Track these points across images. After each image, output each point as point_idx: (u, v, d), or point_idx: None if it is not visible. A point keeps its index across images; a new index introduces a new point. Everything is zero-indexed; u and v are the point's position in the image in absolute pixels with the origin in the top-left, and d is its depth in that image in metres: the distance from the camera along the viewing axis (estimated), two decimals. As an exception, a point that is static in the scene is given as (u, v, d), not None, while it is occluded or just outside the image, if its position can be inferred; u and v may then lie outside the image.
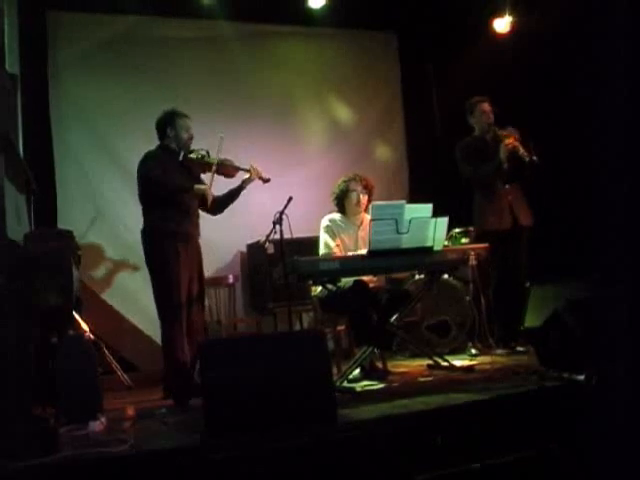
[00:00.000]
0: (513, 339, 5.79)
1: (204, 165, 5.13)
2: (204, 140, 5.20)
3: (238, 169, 5.23)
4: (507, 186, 5.90)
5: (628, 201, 4.09)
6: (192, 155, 5.10)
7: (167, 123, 5.11)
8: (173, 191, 4.97)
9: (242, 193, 5.30)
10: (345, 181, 5.54)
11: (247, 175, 5.24)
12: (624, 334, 3.76)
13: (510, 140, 5.75)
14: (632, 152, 4.10)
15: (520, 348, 5.74)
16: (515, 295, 5.71)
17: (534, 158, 5.65)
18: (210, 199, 5.02)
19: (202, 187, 5.05)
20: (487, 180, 5.91)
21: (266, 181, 5.31)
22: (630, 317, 3.78)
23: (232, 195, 5.30)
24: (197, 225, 5.18)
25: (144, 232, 5.04)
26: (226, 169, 5.18)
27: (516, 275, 5.87)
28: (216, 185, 5.13)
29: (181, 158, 5.06)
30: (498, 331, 5.91)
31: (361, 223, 5.52)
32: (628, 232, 4.04)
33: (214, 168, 5.05)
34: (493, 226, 5.81)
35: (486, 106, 6.05)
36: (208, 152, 5.15)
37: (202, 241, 5.19)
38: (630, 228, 4.04)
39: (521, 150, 5.68)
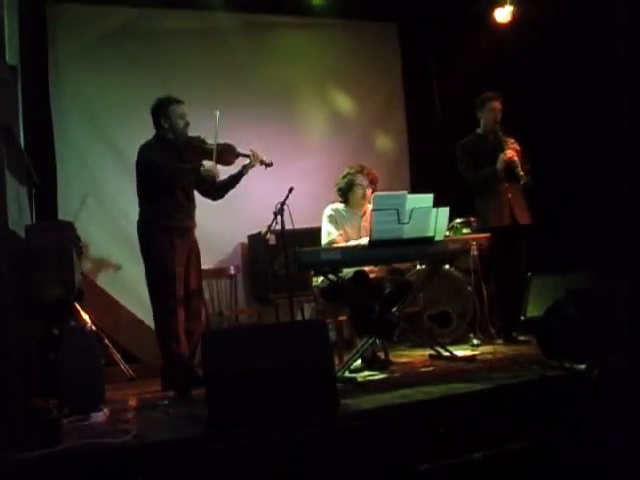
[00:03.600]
0: (514, 329, 5.80)
1: (203, 153, 5.00)
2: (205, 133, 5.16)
3: (238, 155, 5.12)
4: (506, 184, 5.92)
5: (629, 193, 4.08)
6: (189, 143, 5.01)
7: (160, 114, 5.02)
8: (177, 174, 4.91)
9: (243, 181, 5.22)
10: (351, 174, 5.51)
11: (247, 160, 5.13)
12: (625, 324, 3.76)
13: (511, 153, 5.82)
14: (634, 144, 4.09)
15: (522, 338, 5.76)
16: (515, 288, 5.75)
17: (528, 181, 5.75)
18: (218, 177, 4.94)
19: (208, 165, 4.92)
20: (483, 183, 5.96)
21: (268, 165, 5.19)
22: (631, 307, 3.78)
23: (232, 181, 5.19)
24: (193, 217, 5.11)
25: (140, 224, 5.02)
26: (225, 156, 5.05)
27: (515, 270, 5.90)
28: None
29: (178, 146, 4.97)
30: (498, 321, 5.96)
31: (364, 213, 5.51)
32: (628, 224, 4.04)
33: (215, 156, 4.92)
34: (494, 223, 5.83)
35: (497, 104, 6.04)
36: (204, 139, 5.04)
37: (203, 232, 5.18)
38: (630, 220, 4.04)
39: (518, 167, 5.76)
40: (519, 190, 5.95)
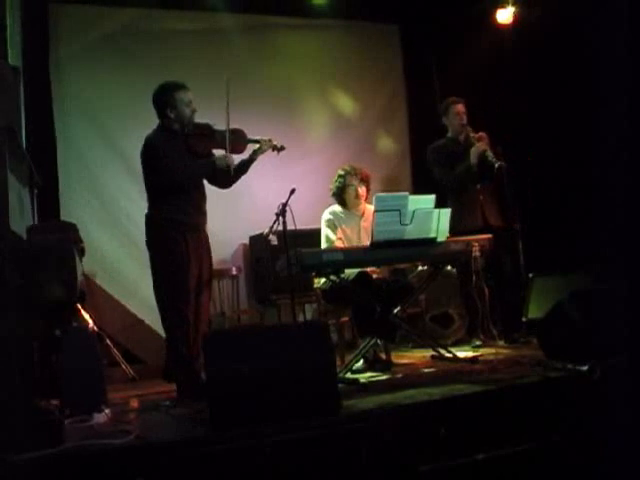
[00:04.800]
0: (516, 330, 5.79)
1: (213, 141, 4.85)
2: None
3: (249, 141, 4.97)
4: (478, 186, 5.92)
5: (629, 193, 4.08)
6: (198, 132, 4.82)
7: (166, 103, 4.74)
8: (191, 175, 4.74)
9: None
10: (342, 176, 5.55)
11: (257, 146, 4.97)
12: (625, 324, 3.75)
13: (480, 144, 5.82)
14: (634, 144, 4.09)
15: (523, 339, 5.75)
16: (508, 288, 5.83)
17: (502, 163, 5.70)
18: (233, 165, 4.77)
19: (222, 157, 4.76)
20: (458, 182, 5.94)
21: (280, 149, 5.05)
22: (631, 308, 3.77)
23: (243, 167, 4.98)
24: (204, 210, 4.92)
25: (150, 219, 4.77)
26: (237, 143, 4.88)
27: (501, 271, 5.94)
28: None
29: (185, 135, 4.80)
30: (499, 322, 5.98)
31: (362, 214, 5.53)
32: (628, 224, 4.03)
33: (228, 143, 4.75)
34: (467, 227, 5.73)
35: (460, 107, 6.07)
36: (213, 126, 4.87)
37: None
38: (630, 220, 4.03)
39: (490, 154, 5.74)
40: (491, 192, 5.96)
